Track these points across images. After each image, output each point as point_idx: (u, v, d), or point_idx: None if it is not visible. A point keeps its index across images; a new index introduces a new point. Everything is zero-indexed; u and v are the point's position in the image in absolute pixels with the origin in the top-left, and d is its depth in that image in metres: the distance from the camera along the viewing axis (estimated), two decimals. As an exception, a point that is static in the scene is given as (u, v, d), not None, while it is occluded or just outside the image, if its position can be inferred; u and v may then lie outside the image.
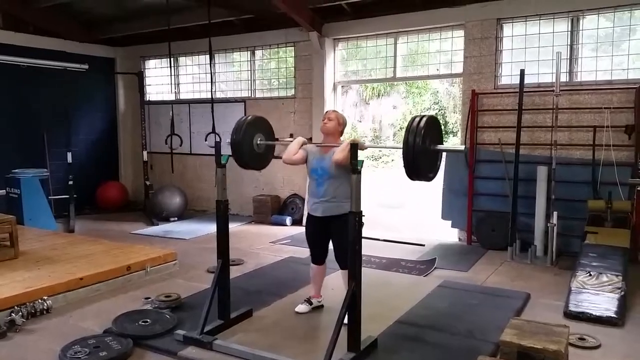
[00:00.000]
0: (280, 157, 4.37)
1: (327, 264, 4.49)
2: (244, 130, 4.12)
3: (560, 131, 6.38)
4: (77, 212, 8.72)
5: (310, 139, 8.40)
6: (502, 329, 3.53)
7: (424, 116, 3.37)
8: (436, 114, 20.58)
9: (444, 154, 3.73)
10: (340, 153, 3.90)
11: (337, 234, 4.14)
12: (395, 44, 7.95)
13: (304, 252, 5.44)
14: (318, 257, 4.43)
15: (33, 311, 4.39)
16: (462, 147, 3.55)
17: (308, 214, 4.40)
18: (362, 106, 21.97)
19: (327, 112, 4.37)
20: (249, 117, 4.28)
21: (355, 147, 3.46)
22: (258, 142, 4.25)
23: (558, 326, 3.56)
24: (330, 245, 4.37)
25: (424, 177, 3.41)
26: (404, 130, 3.28)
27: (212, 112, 8.38)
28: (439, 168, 3.55)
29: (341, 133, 4.29)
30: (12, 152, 8.62)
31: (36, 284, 4.73)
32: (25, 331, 4.15)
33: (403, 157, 3.30)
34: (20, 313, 4.25)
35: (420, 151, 3.25)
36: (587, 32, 6.56)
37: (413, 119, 3.38)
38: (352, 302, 3.50)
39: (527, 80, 6.50)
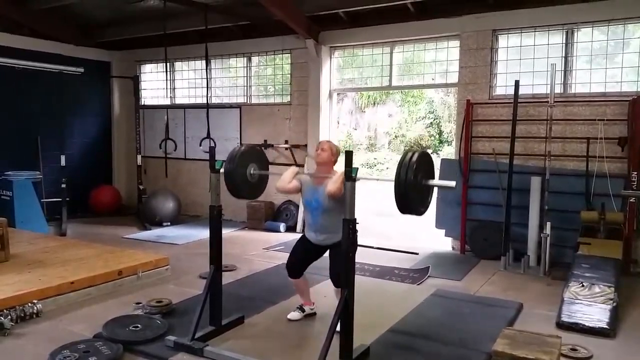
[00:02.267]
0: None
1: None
2: (237, 160, 4.11)
3: (554, 142, 6.42)
4: (70, 216, 8.65)
5: (306, 145, 8.43)
6: (494, 339, 3.54)
7: (415, 151, 3.43)
8: (431, 123, 20.66)
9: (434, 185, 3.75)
10: (332, 185, 3.88)
11: (334, 258, 4.17)
12: (391, 52, 7.98)
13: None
14: (297, 270, 4.41)
15: (23, 315, 4.35)
16: (453, 184, 3.58)
17: (304, 234, 4.40)
18: (357, 114, 22.03)
19: (320, 142, 4.35)
20: (243, 148, 4.28)
21: (349, 154, 3.46)
22: (252, 172, 4.24)
23: (550, 336, 3.58)
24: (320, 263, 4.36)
25: (415, 212, 3.46)
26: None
27: (207, 117, 8.37)
28: (429, 203, 3.60)
29: (335, 162, 4.28)
30: (5, 154, 8.56)
31: (26, 287, 4.69)
32: (14, 335, 4.11)
33: (394, 191, 3.34)
34: (10, 317, 4.21)
35: (412, 186, 3.29)
36: (581, 44, 6.62)
37: (405, 153, 3.43)
38: (345, 310, 3.49)
39: (522, 91, 6.53)
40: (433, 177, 3.55)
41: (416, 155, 3.37)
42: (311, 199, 4.17)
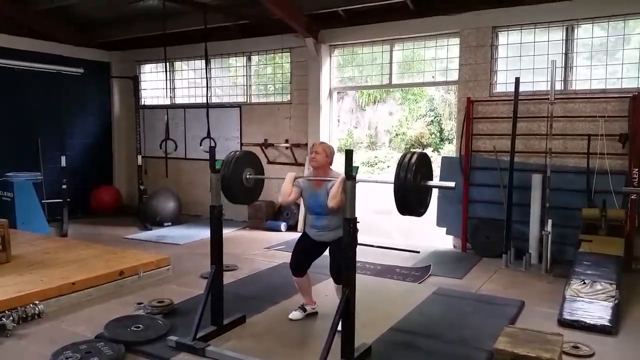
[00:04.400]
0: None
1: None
2: (233, 165, 4.11)
3: (555, 139, 6.40)
4: (70, 216, 8.65)
5: (306, 144, 8.42)
6: (496, 337, 3.53)
7: (414, 152, 3.43)
8: (432, 121, 20.65)
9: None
10: (333, 200, 3.88)
11: (335, 254, 4.17)
12: (391, 50, 7.97)
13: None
14: (301, 268, 4.41)
15: (24, 316, 4.35)
16: (452, 184, 3.59)
17: (305, 232, 4.40)
18: (358, 112, 22.05)
19: (313, 145, 4.34)
20: (238, 152, 4.28)
21: (350, 153, 3.46)
22: (247, 176, 4.24)
23: (552, 334, 3.57)
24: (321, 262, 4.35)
25: (415, 212, 3.46)
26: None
27: (208, 117, 8.37)
28: (429, 204, 3.59)
29: (330, 163, 4.27)
30: (6, 155, 8.55)
31: (28, 288, 4.69)
32: (16, 336, 4.11)
33: (394, 192, 3.34)
34: (12, 318, 4.21)
35: (411, 187, 3.29)
36: (581, 41, 6.60)
37: (404, 155, 3.43)
38: (346, 309, 3.49)
39: (522, 88, 6.51)
40: (431, 178, 3.55)
41: (415, 156, 3.37)
42: (314, 204, 4.20)
